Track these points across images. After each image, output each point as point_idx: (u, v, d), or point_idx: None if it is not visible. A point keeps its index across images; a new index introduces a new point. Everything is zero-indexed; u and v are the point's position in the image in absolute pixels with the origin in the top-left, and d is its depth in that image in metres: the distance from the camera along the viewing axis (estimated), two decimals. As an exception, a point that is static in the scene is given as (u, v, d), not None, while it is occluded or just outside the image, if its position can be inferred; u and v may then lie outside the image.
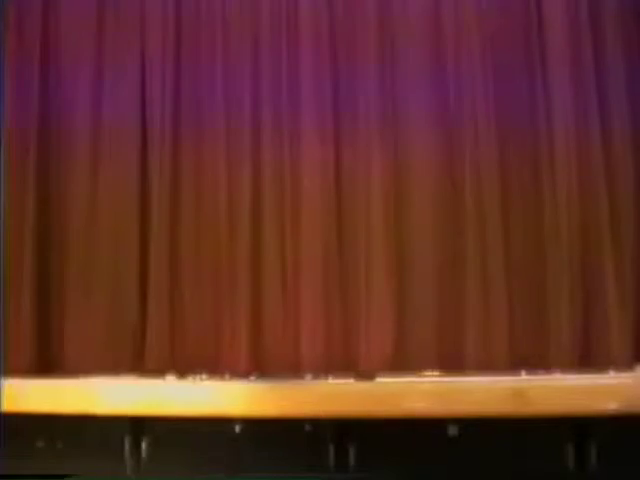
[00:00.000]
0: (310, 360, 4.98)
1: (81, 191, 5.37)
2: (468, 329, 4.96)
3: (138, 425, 4.64)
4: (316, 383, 4.86)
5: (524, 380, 4.71)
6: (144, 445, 4.64)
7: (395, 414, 4.39)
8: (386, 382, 4.79)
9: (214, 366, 5.04)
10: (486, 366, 4.85)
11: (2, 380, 4.67)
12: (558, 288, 4.89)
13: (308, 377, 4.94)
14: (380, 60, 5.21)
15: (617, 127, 4.99)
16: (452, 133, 5.12)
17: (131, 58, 5.45)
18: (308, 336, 5.03)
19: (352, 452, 4.49)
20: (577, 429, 4.37)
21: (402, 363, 4.94)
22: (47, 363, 5.17)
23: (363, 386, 4.75)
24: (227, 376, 4.99)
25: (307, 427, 4.49)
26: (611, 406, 4.27)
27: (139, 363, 5.11)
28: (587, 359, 4.83)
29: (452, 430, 4.43)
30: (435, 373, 4.90)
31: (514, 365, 4.85)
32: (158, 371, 5.05)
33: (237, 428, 4.55)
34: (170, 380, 5.02)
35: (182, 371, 5.05)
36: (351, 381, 4.83)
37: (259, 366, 5.04)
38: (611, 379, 4.65)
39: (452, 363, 4.91)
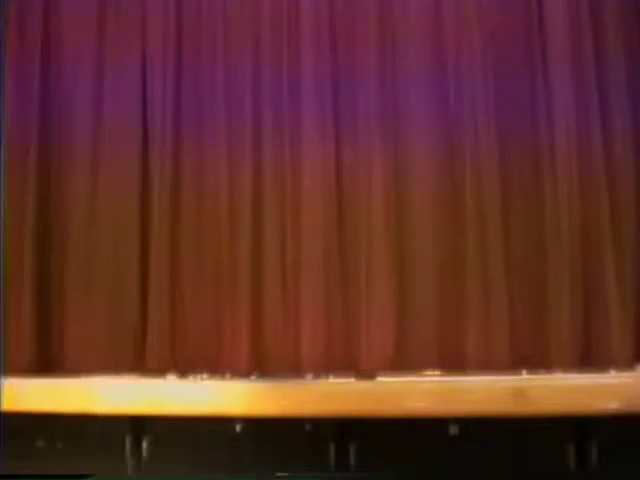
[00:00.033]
0: (311, 360, 4.98)
1: (81, 191, 5.37)
2: (469, 329, 4.96)
3: (139, 424, 4.64)
4: (317, 382, 4.86)
5: (525, 380, 4.71)
6: (145, 444, 4.64)
7: (396, 413, 4.40)
8: (387, 381, 4.80)
9: (215, 365, 5.04)
10: (487, 365, 4.85)
11: (2, 380, 4.67)
12: (559, 288, 4.89)
13: (309, 377, 4.94)
14: (381, 59, 5.22)
15: (618, 125, 5.00)
16: (453, 132, 5.12)
17: (132, 57, 5.44)
18: (309, 336, 5.03)
19: (353, 451, 4.50)
20: (578, 428, 4.38)
21: (403, 363, 4.94)
22: (47, 363, 5.17)
23: (364, 385, 4.76)
24: (228, 375, 5.00)
25: (308, 426, 4.49)
26: (612, 405, 4.28)
27: (140, 363, 5.11)
28: (588, 358, 4.84)
29: (453, 429, 4.43)
30: (436, 373, 4.90)
31: (515, 364, 4.85)
32: (159, 370, 5.05)
33: (238, 427, 4.56)
34: (171, 379, 5.02)
35: (183, 370, 5.05)
36: (352, 380, 4.84)
37: (260, 365, 5.04)
38: (612, 379, 4.65)
39: (453, 363, 4.91)
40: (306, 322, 5.06)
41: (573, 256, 4.91)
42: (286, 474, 4.43)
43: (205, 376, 5.00)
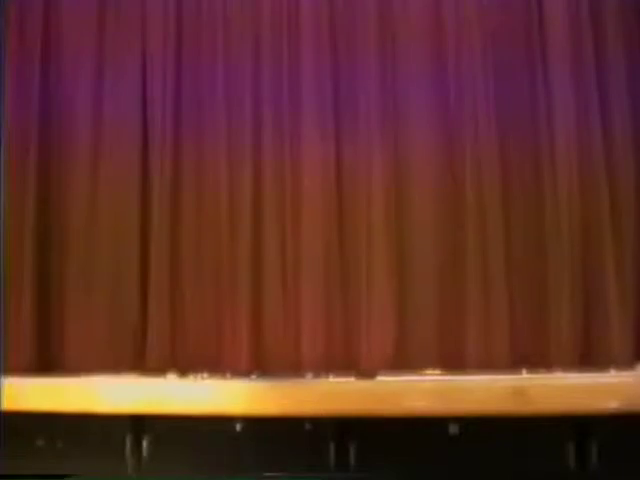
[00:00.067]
0: (311, 359, 4.98)
1: (81, 191, 5.37)
2: (469, 328, 4.96)
3: (139, 424, 4.64)
4: (317, 382, 4.86)
5: (525, 379, 4.71)
6: (145, 444, 4.64)
7: (396, 413, 4.40)
8: (387, 381, 4.80)
9: (215, 365, 5.04)
10: (487, 365, 4.85)
11: (2, 379, 4.67)
12: (559, 287, 4.89)
13: (309, 376, 4.94)
14: (381, 58, 5.22)
15: (618, 124, 5.00)
16: (453, 130, 5.12)
17: (132, 57, 5.44)
18: (309, 335, 5.03)
19: (353, 451, 4.50)
20: (578, 428, 4.38)
21: (403, 362, 4.94)
22: (48, 362, 5.17)
23: (364, 385, 4.76)
24: (228, 375, 4.99)
25: (308, 426, 4.49)
26: (612, 405, 4.28)
27: (140, 362, 5.10)
28: (588, 358, 4.84)
29: (453, 429, 4.43)
30: (436, 372, 4.90)
31: (515, 364, 4.85)
32: (159, 370, 5.05)
33: (238, 427, 4.56)
34: (171, 379, 5.02)
35: (183, 370, 5.05)
36: (352, 380, 4.83)
37: (260, 365, 5.03)
38: (612, 378, 4.65)
39: (453, 362, 4.91)
40: (306, 321, 5.05)
41: (573, 255, 4.91)
42: (286, 474, 4.43)
43: (205, 375, 5.00)
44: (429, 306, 5.02)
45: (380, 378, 4.84)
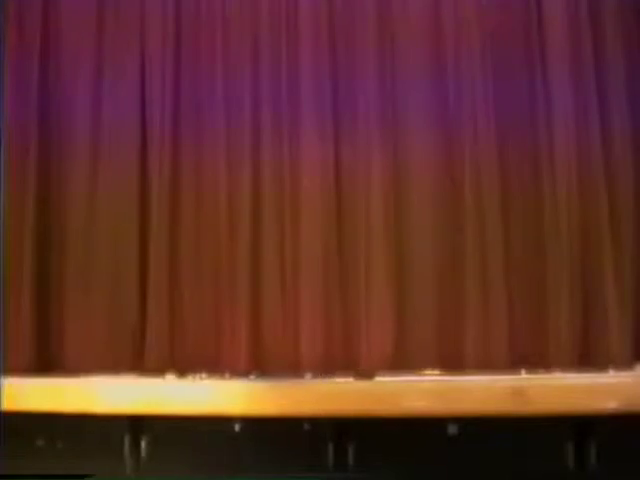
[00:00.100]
0: (310, 359, 4.98)
1: (81, 191, 5.36)
2: (468, 328, 4.96)
3: (138, 424, 4.65)
4: (315, 382, 4.86)
5: (524, 379, 4.72)
6: (144, 444, 4.65)
7: (394, 413, 4.40)
8: (385, 381, 4.81)
9: (214, 365, 5.04)
10: (486, 365, 4.85)
11: (2, 379, 4.67)
12: (558, 287, 4.89)
13: (308, 376, 4.93)
14: (380, 59, 5.22)
15: (617, 125, 5.00)
16: (452, 132, 5.12)
17: (131, 58, 5.44)
18: (308, 335, 5.02)
19: (351, 451, 4.51)
20: (577, 428, 4.39)
21: (402, 362, 4.94)
22: (47, 362, 5.16)
23: (362, 385, 4.76)
24: (227, 375, 5.00)
25: (306, 426, 4.50)
26: (611, 405, 4.28)
27: (139, 362, 5.10)
28: (587, 358, 4.84)
29: (452, 429, 4.44)
30: (435, 372, 4.90)
31: (514, 364, 4.85)
32: (158, 370, 5.05)
33: (236, 427, 4.57)
34: (170, 379, 5.02)
35: (182, 370, 5.05)
36: (350, 380, 4.83)
37: (259, 365, 5.03)
38: (611, 378, 4.66)
39: (452, 362, 4.91)
40: (305, 322, 5.05)
41: (572, 256, 4.91)
42: (285, 474, 4.43)
43: (204, 376, 5.00)
44: (428, 306, 5.02)
45: (379, 378, 4.84)
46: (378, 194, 5.13)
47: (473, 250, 5.01)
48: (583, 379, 4.60)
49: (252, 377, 4.97)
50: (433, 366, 4.93)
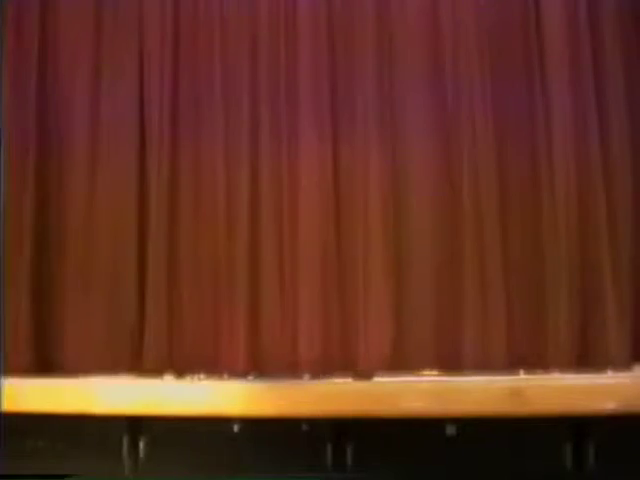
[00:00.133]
0: (308, 360, 4.98)
1: (79, 191, 5.36)
2: (466, 329, 4.96)
3: (136, 425, 4.64)
4: (314, 383, 4.86)
5: (522, 380, 4.72)
6: (142, 445, 4.64)
7: (393, 414, 4.40)
8: (384, 382, 4.80)
9: (212, 366, 5.04)
10: (484, 366, 4.85)
11: (2, 380, 4.67)
12: (556, 288, 4.89)
13: (306, 377, 4.93)
14: (378, 60, 5.21)
15: (615, 128, 5.00)
16: (450, 132, 5.12)
17: (129, 58, 5.43)
18: (306, 336, 5.02)
19: (350, 452, 4.50)
20: (575, 429, 4.38)
21: (400, 363, 4.93)
22: (45, 363, 5.16)
23: (361, 386, 4.76)
24: (225, 376, 4.99)
25: (305, 427, 4.50)
26: (609, 406, 4.28)
27: (137, 363, 5.10)
28: (585, 359, 4.84)
29: (450, 430, 4.43)
30: (433, 373, 4.90)
31: (512, 365, 4.85)
32: (156, 371, 5.05)
33: (235, 428, 4.56)
34: (168, 380, 5.02)
35: (180, 371, 5.05)
36: (349, 381, 4.84)
37: (257, 366, 5.03)
38: (609, 379, 4.66)
39: (450, 363, 4.91)
40: (303, 322, 5.05)
41: (570, 257, 4.91)
42: (283, 474, 4.43)
43: (202, 376, 5.00)
44: (426, 307, 5.02)
45: (377, 379, 4.84)
46: (376, 194, 5.12)
47: (471, 250, 5.01)
48: (581, 380, 4.60)
49: (250, 378, 4.97)
50: (431, 367, 4.93)
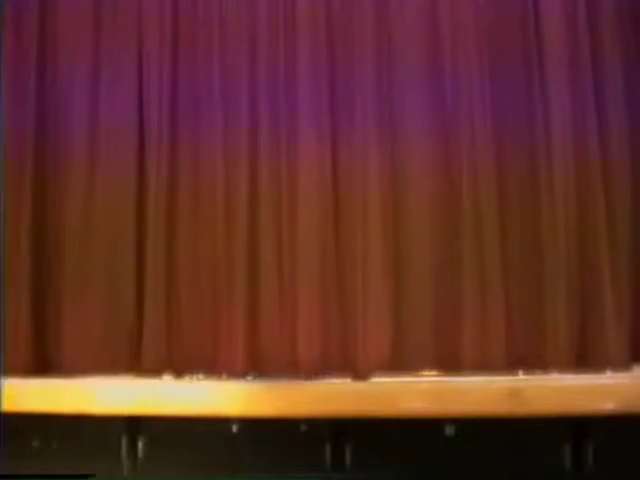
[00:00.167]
0: (307, 360, 4.97)
1: (78, 191, 5.35)
2: (465, 329, 4.94)
3: (135, 425, 4.65)
4: (312, 383, 4.85)
5: (521, 380, 4.72)
6: (141, 445, 4.65)
7: (392, 414, 4.41)
8: (382, 382, 4.80)
9: (211, 366, 5.03)
10: (483, 366, 4.84)
11: (2, 380, 4.68)
12: (555, 288, 4.88)
13: (305, 377, 4.91)
14: (377, 60, 5.20)
15: (614, 128, 4.98)
16: (449, 132, 5.11)
17: (128, 57, 5.42)
18: (305, 336, 5.01)
19: (348, 452, 4.51)
20: (574, 429, 4.39)
21: (399, 363, 4.93)
22: (44, 363, 5.15)
23: (359, 386, 4.76)
24: (224, 376, 4.99)
25: (303, 427, 4.50)
26: (608, 406, 4.29)
27: (136, 363, 5.09)
28: (584, 359, 4.83)
29: (449, 430, 4.44)
30: (432, 373, 4.90)
31: (511, 365, 4.85)
32: (155, 371, 5.04)
33: (234, 428, 4.56)
34: (167, 380, 5.02)
35: (179, 371, 5.05)
36: (347, 381, 4.84)
37: (256, 366, 5.02)
38: (608, 379, 4.65)
39: (449, 363, 4.90)
40: (302, 322, 5.04)
41: (569, 257, 4.91)
42: (282, 475, 4.43)
43: (201, 376, 5.00)
44: (425, 307, 5.02)
45: (376, 379, 4.84)
46: (375, 194, 5.11)
47: (470, 250, 5.00)
48: (580, 380, 4.60)
49: (249, 378, 4.96)
50: (430, 367, 4.92)
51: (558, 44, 5.06)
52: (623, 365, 4.76)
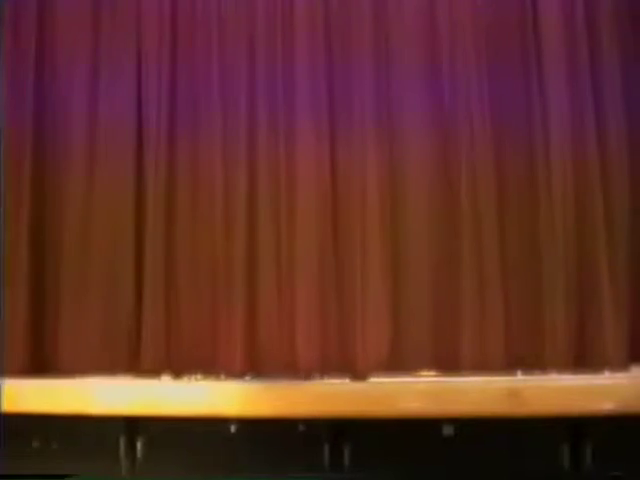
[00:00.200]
0: (306, 360, 4.97)
1: (77, 191, 5.35)
2: (464, 329, 4.95)
3: (133, 425, 4.64)
4: (311, 383, 4.85)
5: (519, 380, 4.72)
6: (139, 445, 4.65)
7: (390, 414, 4.41)
8: (381, 382, 4.79)
9: (209, 366, 5.03)
10: (482, 366, 4.84)
11: (2, 381, 4.68)
12: (553, 289, 4.88)
13: (303, 377, 4.91)
14: (375, 59, 5.20)
15: (612, 127, 4.98)
16: (447, 132, 5.11)
17: (127, 57, 5.42)
18: (303, 336, 5.01)
19: (347, 452, 4.50)
20: (572, 429, 4.39)
21: (398, 363, 4.92)
22: (42, 363, 5.15)
23: (358, 386, 4.76)
24: (222, 376, 4.98)
25: (302, 427, 4.50)
26: (606, 406, 4.29)
27: (134, 363, 5.09)
28: (582, 359, 4.82)
29: (447, 430, 4.44)
30: (431, 373, 4.89)
31: (509, 365, 4.84)
32: (153, 371, 5.04)
33: (232, 428, 4.56)
34: (165, 380, 5.02)
35: (177, 371, 5.05)
36: (346, 381, 4.83)
37: (254, 366, 5.02)
38: (606, 379, 4.65)
39: (448, 363, 4.90)
40: (301, 322, 5.04)
41: (568, 257, 4.90)
42: (281, 475, 4.43)
43: (200, 377, 5.00)
44: (424, 307, 5.01)
45: (374, 379, 4.83)
46: (374, 194, 5.12)
47: (469, 250, 5.00)
48: (579, 380, 4.60)
49: (248, 378, 4.96)
50: (429, 367, 4.92)
51: (556, 44, 5.06)
52: (621, 365, 4.76)
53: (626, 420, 4.26)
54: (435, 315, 5.01)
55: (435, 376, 4.88)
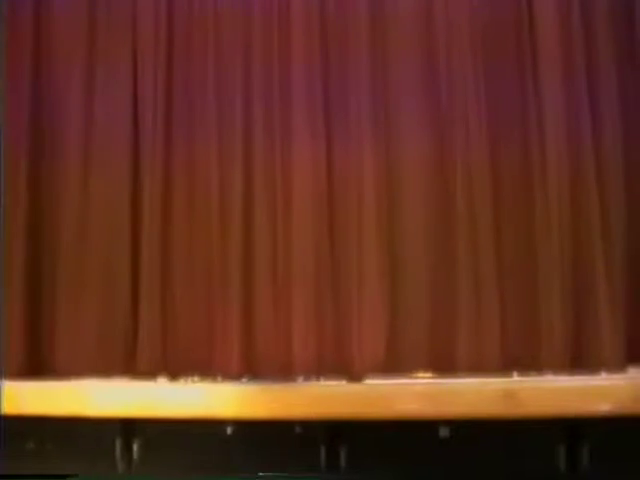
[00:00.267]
0: (302, 362, 4.97)
1: (73, 191, 5.34)
2: (460, 330, 4.94)
3: (130, 427, 4.65)
4: (307, 385, 4.86)
5: (516, 381, 4.72)
6: (135, 447, 4.65)
7: (386, 416, 4.41)
8: (377, 384, 4.79)
9: (206, 368, 5.02)
10: (478, 367, 4.83)
11: (2, 382, 4.69)
12: (550, 290, 4.87)
13: (300, 379, 4.92)
14: (372, 59, 5.19)
15: (608, 128, 4.97)
16: (444, 133, 5.10)
17: (123, 57, 5.41)
18: (300, 338, 5.00)
19: (343, 454, 4.51)
20: (569, 430, 4.39)
21: (394, 365, 4.92)
22: (39, 365, 5.14)
23: (354, 388, 4.76)
24: (219, 378, 4.98)
25: (298, 429, 4.50)
26: (603, 407, 4.29)
27: (131, 365, 5.08)
28: (579, 360, 4.82)
29: (443, 431, 4.44)
30: (427, 374, 4.89)
31: (506, 366, 4.83)
32: (150, 373, 5.03)
33: (229, 430, 4.56)
34: (162, 382, 5.01)
35: (174, 373, 5.04)
36: (342, 383, 4.83)
37: (251, 368, 5.01)
38: (603, 380, 4.65)
39: (444, 364, 4.89)
40: (297, 324, 5.03)
41: (564, 257, 4.90)
42: (277, 476, 4.44)
43: (196, 379, 5.00)
44: (420, 308, 5.00)
45: (371, 381, 4.83)
46: (370, 194, 5.11)
47: (465, 251, 5.00)
48: (575, 381, 4.60)
49: (244, 380, 4.96)
50: (425, 368, 4.91)
51: (552, 44, 5.05)
52: (618, 366, 4.76)
53: (623, 421, 4.26)
54: (431, 316, 4.99)
55: (431, 377, 4.87)
